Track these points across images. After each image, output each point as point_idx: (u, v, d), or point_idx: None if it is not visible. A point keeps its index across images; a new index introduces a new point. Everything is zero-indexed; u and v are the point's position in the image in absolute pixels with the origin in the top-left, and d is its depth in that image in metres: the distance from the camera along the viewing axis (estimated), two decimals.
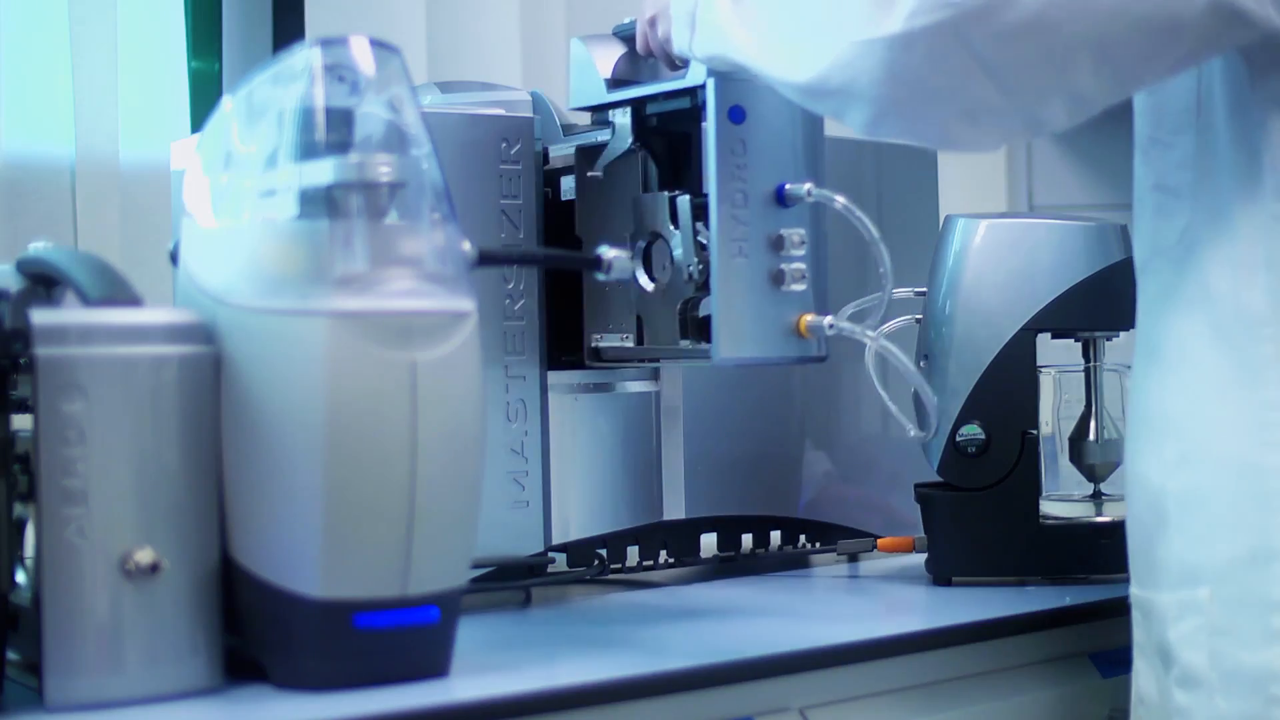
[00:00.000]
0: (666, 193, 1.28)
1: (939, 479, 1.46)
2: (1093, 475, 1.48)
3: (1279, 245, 1.06)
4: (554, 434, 1.40)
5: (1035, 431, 1.43)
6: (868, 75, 1.07)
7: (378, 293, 1.02)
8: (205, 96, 1.82)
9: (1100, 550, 1.41)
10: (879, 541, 1.56)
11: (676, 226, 1.26)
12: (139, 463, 1.00)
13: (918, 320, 1.50)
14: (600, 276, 1.20)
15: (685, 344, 1.27)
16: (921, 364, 1.46)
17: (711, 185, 1.22)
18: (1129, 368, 1.19)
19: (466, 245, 1.09)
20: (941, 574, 1.45)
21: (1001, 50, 1.03)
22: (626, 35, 1.38)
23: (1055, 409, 1.50)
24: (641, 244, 1.30)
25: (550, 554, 1.40)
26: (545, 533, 1.40)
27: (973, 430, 1.42)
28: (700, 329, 1.26)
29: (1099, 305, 1.43)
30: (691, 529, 1.50)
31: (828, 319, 1.24)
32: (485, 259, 1.13)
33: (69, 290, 1.09)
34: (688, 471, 1.47)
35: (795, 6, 1.12)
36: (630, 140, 1.33)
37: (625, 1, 2.13)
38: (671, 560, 1.50)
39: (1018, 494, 1.42)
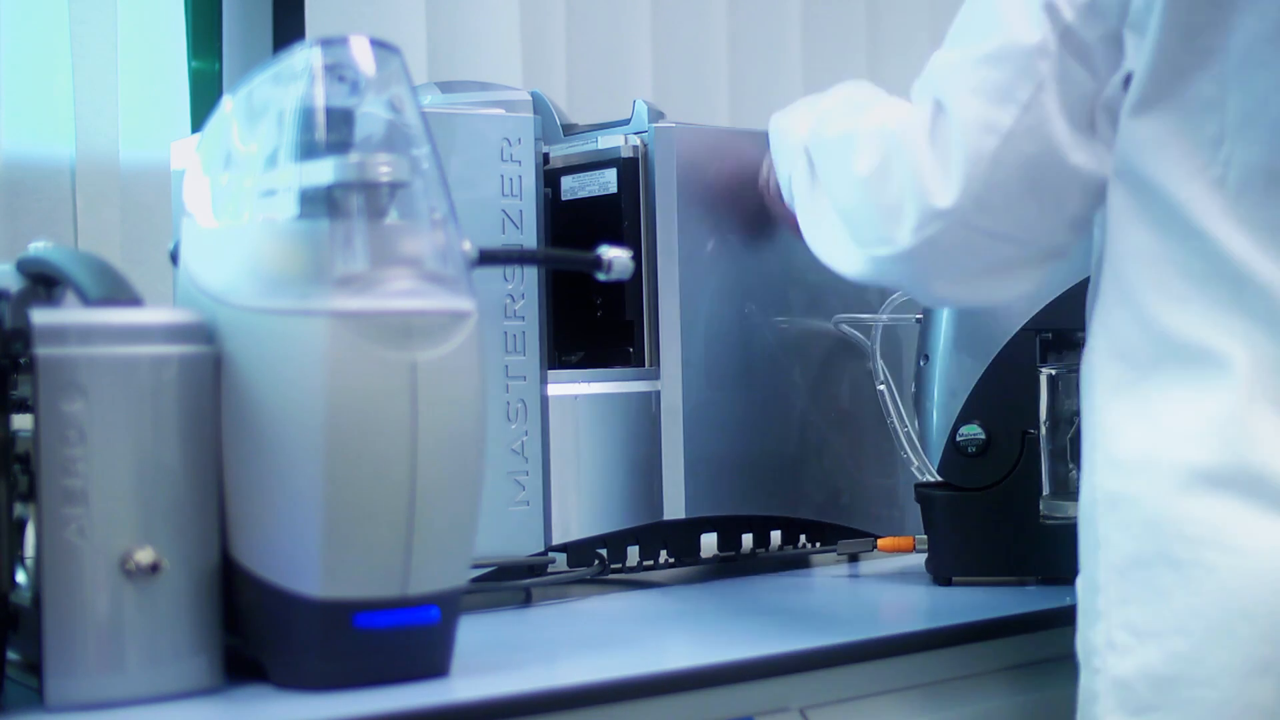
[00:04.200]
0: None
1: (939, 479, 1.46)
2: None
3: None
4: (554, 434, 1.40)
5: (1035, 431, 1.43)
6: (897, 278, 1.24)
7: (378, 293, 1.02)
8: (205, 96, 1.82)
9: None
10: (879, 541, 1.56)
11: None
12: (139, 463, 1.00)
13: (918, 320, 1.49)
14: (600, 276, 1.20)
15: None
16: (922, 364, 1.46)
17: None
18: None
19: (467, 245, 1.09)
20: (941, 574, 1.45)
21: (1004, 219, 1.14)
22: None
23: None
24: None
25: (550, 554, 1.40)
26: (545, 533, 1.40)
27: (973, 430, 1.42)
28: None
29: None
30: (691, 529, 1.50)
31: None
32: (485, 259, 1.13)
33: (69, 290, 1.09)
34: (688, 471, 1.46)
35: (831, 215, 1.24)
36: None
37: (625, 2, 2.16)
38: (671, 560, 1.50)
39: (1018, 494, 1.42)
